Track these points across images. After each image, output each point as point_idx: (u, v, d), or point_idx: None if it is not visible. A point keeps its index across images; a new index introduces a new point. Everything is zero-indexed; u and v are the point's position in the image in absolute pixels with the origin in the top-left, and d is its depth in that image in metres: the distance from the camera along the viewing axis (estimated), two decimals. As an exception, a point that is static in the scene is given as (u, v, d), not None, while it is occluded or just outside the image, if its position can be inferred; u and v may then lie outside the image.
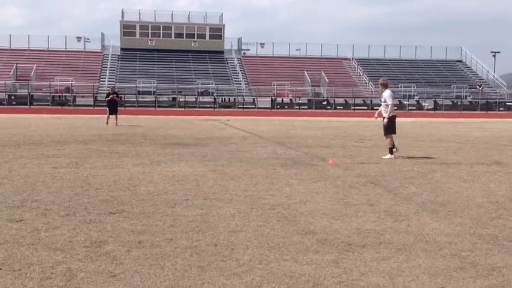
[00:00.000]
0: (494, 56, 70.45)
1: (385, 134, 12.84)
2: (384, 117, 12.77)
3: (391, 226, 6.07)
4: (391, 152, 12.54)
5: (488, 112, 48.24)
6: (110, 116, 24.91)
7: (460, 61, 60.36)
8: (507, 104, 53.15)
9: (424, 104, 51.81)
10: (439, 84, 53.11)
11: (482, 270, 4.61)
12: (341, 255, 4.95)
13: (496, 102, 52.50)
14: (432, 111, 48.95)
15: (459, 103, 50.82)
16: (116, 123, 24.40)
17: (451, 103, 51.92)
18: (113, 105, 25.43)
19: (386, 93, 12.77)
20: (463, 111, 48.06)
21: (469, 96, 52.43)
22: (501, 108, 51.70)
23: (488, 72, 59.04)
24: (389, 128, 12.73)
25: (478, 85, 53.59)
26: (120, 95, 29.58)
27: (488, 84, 56.41)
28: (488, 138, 19.70)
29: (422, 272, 4.54)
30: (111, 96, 25.81)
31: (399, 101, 50.98)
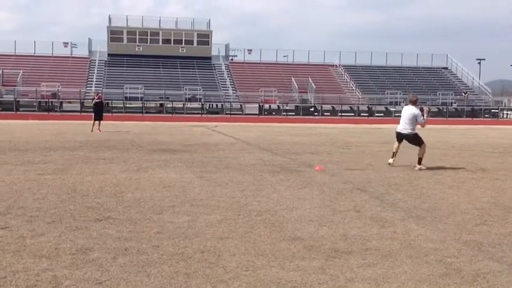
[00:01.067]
0: (479, 63, 71.11)
1: (421, 144, 12.41)
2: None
3: (377, 232, 6.10)
4: (419, 162, 12.15)
5: (474, 119, 48.61)
6: (95, 122, 24.68)
7: (446, 68, 60.85)
8: (492, 110, 53.64)
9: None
10: (425, 91, 53.46)
11: (467, 276, 4.65)
12: (327, 262, 4.97)
13: (481, 109, 52.95)
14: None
15: (445, 110, 51.19)
16: (99, 129, 24.19)
17: (436, 110, 52.27)
18: (99, 110, 25.22)
19: (417, 109, 12.42)
20: (448, 118, 48.40)
21: (455, 103, 52.83)
22: (486, 115, 52.14)
23: (473, 79, 59.54)
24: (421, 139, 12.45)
25: (463, 92, 54.05)
26: (103, 101, 29.03)
27: (473, 91, 56.89)
28: (474, 145, 19.87)
29: (408, 278, 4.57)
30: (95, 100, 25.60)
31: (385, 108, 51.38)
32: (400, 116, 13.03)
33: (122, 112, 44.48)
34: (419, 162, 12.12)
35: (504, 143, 21.59)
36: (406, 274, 4.67)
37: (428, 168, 11.99)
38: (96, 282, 4.33)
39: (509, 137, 25.86)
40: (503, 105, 55.78)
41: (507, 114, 55.51)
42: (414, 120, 12.32)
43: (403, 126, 12.49)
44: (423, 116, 12.38)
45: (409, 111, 12.44)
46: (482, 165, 13.09)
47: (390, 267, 4.85)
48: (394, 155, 12.65)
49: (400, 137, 12.65)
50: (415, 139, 12.46)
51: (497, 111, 53.72)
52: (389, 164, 12.48)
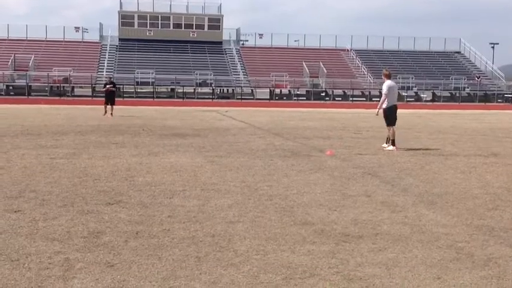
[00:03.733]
0: (493, 47, 70.36)
1: (386, 125, 12.88)
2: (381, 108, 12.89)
3: (388, 217, 6.09)
4: (393, 144, 12.54)
5: (487, 104, 48.18)
6: (107, 106, 24.82)
7: (459, 52, 60.22)
8: (505, 95, 53.12)
9: (422, 95, 51.77)
10: (437, 76, 53.04)
11: (478, 261, 4.64)
12: (338, 246, 4.97)
13: (494, 93, 52.46)
14: (430, 103, 48.95)
15: (457, 95, 50.75)
16: (112, 113, 24.30)
17: (449, 94, 51.89)
18: (110, 95, 25.34)
19: (384, 84, 12.91)
20: (461, 103, 48.00)
21: (468, 87, 52.37)
22: (499, 100, 51.67)
23: (486, 63, 58.94)
24: (388, 118, 12.77)
25: (477, 76, 53.55)
26: (116, 86, 29.36)
27: (486, 76, 56.34)
28: (486, 130, 19.72)
29: (419, 262, 4.56)
30: (107, 86, 25.73)
31: (398, 92, 50.99)
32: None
33: (133, 97, 44.58)
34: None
35: (517, 128, 21.40)
36: (416, 259, 4.66)
37: (440, 154, 11.92)
38: (108, 265, 4.36)
39: (522, 122, 25.63)
40: (517, 90, 55.25)
41: (520, 99, 54.98)
42: None
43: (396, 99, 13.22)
44: None
45: (395, 85, 13.38)
46: (494, 150, 13.00)
47: (401, 252, 4.84)
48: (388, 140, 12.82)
49: (395, 111, 13.01)
50: None
51: (510, 96, 53.18)
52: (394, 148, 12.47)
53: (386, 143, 12.78)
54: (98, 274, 4.15)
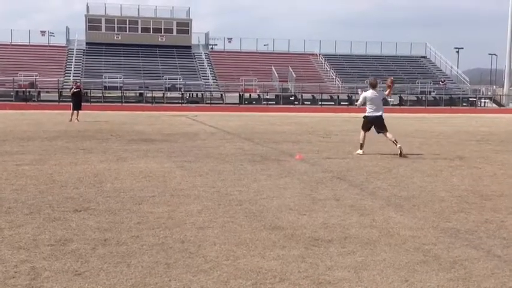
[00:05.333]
0: (457, 52, 71.81)
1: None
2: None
3: (357, 221, 6.15)
4: (361, 147, 12.57)
5: (452, 107, 49.11)
6: (74, 111, 24.47)
7: (424, 57, 61.30)
8: (470, 99, 54.25)
9: (389, 99, 52.43)
10: (404, 80, 53.85)
11: (445, 263, 4.71)
12: (307, 250, 5.00)
13: (460, 97, 53.55)
14: (397, 107, 49.61)
15: (424, 98, 51.62)
16: (77, 118, 23.95)
17: (415, 98, 52.72)
18: (77, 100, 25.03)
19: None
20: (427, 107, 48.83)
21: (433, 91, 53.32)
22: (464, 104, 52.74)
23: (451, 68, 60.15)
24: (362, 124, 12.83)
25: (441, 80, 54.53)
26: (81, 91, 28.80)
27: (451, 80, 57.47)
28: (452, 133, 20.09)
29: (387, 265, 4.62)
30: (73, 90, 25.46)
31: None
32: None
33: (100, 102, 44.13)
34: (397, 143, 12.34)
35: (482, 131, 21.87)
36: (385, 262, 4.72)
37: (407, 157, 12.09)
38: (76, 273, 4.30)
39: (486, 125, 26.20)
40: (481, 93, 56.48)
41: (485, 102, 56.21)
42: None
43: (378, 110, 12.71)
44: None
45: (379, 95, 12.91)
46: (460, 153, 13.25)
47: (369, 255, 4.89)
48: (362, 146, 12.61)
49: (373, 122, 12.71)
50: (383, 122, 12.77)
51: (475, 99, 54.35)
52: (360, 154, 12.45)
53: (396, 145, 12.48)
54: (66, 283, 4.09)
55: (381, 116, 12.77)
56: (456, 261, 4.76)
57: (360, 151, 12.53)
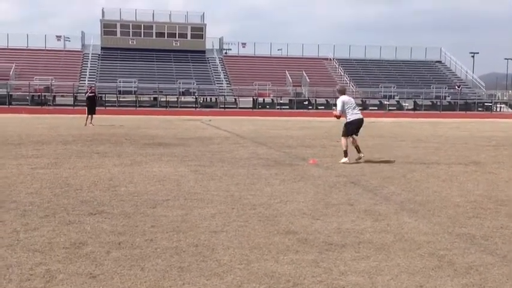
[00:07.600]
0: (473, 56, 71.28)
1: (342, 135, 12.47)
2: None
3: (371, 225, 6.13)
4: (345, 155, 11.95)
5: (467, 112, 48.74)
6: (89, 116, 24.66)
7: (439, 62, 60.94)
8: (485, 104, 53.81)
9: (404, 104, 52.26)
10: (418, 85, 53.56)
11: (460, 269, 4.68)
12: (321, 255, 4.99)
13: (475, 102, 53.11)
14: (412, 112, 49.37)
15: (438, 103, 51.30)
16: (92, 123, 24.12)
17: (430, 103, 52.41)
18: (92, 104, 25.24)
19: (338, 100, 12.52)
20: (442, 112, 48.51)
21: (448, 96, 52.96)
22: (479, 109, 52.29)
23: (467, 72, 59.69)
24: (347, 130, 12.39)
25: (457, 85, 54.16)
26: (96, 95, 28.99)
27: (467, 85, 57.02)
28: (467, 138, 19.94)
29: (401, 271, 4.59)
30: (88, 94, 25.76)
31: (379, 101, 51.42)
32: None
33: (115, 106, 44.35)
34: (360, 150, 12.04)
35: (497, 136, 21.68)
36: (399, 267, 4.69)
37: (422, 162, 12.02)
38: (90, 276, 4.33)
39: (502, 130, 25.97)
40: (497, 98, 56.00)
41: (500, 107, 55.71)
42: None
43: (358, 112, 12.53)
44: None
45: (351, 99, 12.78)
46: (475, 158, 13.14)
47: (383, 260, 4.87)
48: (358, 149, 12.14)
49: (359, 124, 12.40)
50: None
51: (490, 104, 53.89)
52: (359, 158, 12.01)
53: (358, 152, 12.23)
54: (80, 285, 4.12)
55: (363, 118, 12.48)
56: (471, 267, 4.72)
57: (345, 159, 11.84)
